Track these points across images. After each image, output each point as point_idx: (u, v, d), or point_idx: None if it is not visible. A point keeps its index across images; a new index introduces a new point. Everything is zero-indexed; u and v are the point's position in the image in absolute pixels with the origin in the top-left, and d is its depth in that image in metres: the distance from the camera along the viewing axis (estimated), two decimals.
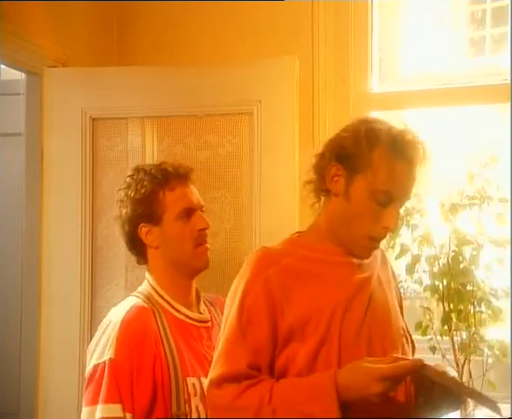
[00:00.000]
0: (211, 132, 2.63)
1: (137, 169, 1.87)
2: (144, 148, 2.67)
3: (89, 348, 1.76)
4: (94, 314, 2.62)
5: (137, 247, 1.85)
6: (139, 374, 1.65)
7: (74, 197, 2.64)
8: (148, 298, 1.79)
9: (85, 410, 1.67)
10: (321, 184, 1.56)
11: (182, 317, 1.80)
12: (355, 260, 1.58)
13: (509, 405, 2.49)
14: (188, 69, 2.68)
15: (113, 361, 1.65)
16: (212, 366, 1.53)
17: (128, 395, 1.64)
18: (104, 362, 1.66)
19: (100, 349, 1.69)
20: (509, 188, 2.41)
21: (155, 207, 1.79)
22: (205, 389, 1.53)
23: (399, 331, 1.62)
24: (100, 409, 1.62)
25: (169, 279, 1.81)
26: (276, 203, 2.50)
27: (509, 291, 2.37)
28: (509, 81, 2.52)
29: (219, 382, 1.49)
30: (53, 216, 2.66)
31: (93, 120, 2.66)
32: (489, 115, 2.97)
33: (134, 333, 1.69)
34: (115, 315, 1.74)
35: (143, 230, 1.80)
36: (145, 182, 1.80)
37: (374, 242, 1.56)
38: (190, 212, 1.81)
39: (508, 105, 2.49)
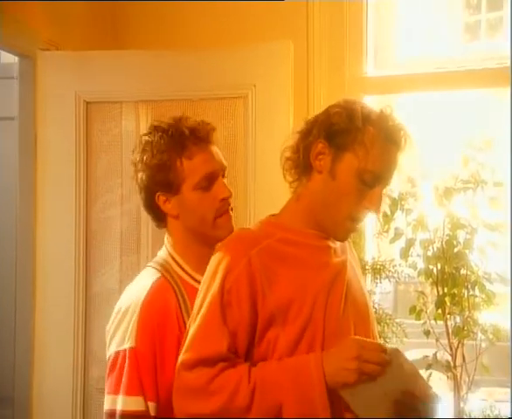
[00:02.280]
0: (206, 116, 2.60)
1: (155, 128, 1.73)
2: (139, 133, 2.65)
3: (108, 330, 1.69)
4: (89, 298, 2.62)
5: (155, 213, 1.75)
6: (163, 359, 1.60)
7: (68, 181, 2.62)
8: (166, 268, 1.71)
9: (108, 398, 1.62)
10: (305, 161, 1.52)
11: None
12: (331, 244, 1.57)
13: (508, 389, 2.51)
14: (182, 53, 2.66)
15: (134, 350, 1.59)
16: (186, 347, 1.48)
17: (150, 384, 1.58)
18: (125, 351, 1.60)
19: (121, 335, 1.63)
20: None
21: (173, 176, 1.69)
22: (177, 370, 1.48)
23: (372, 311, 1.66)
24: (121, 401, 1.58)
25: (189, 247, 1.72)
26: (271, 188, 2.48)
27: (509, 277, 2.37)
28: (508, 65, 2.50)
29: (193, 365, 1.44)
30: (47, 201, 2.65)
31: (87, 103, 2.64)
32: (484, 99, 2.97)
33: (156, 318, 1.61)
34: (135, 296, 1.65)
35: (161, 198, 1.71)
36: (161, 147, 1.68)
37: (355, 223, 1.54)
38: (210, 180, 1.71)
39: (508, 91, 2.47)
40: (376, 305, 2.49)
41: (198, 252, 1.71)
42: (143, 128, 2.64)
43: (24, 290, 2.63)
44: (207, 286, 1.51)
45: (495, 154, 2.42)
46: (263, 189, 2.54)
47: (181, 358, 1.48)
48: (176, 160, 1.69)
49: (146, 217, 2.65)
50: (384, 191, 1.53)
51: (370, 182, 1.48)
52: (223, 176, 1.76)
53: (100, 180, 2.68)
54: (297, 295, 1.48)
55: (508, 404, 2.63)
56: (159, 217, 1.76)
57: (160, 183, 1.70)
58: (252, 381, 1.42)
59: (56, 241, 2.63)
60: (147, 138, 1.73)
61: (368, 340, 1.43)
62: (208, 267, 1.54)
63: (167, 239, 1.77)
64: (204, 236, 1.72)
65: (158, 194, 1.71)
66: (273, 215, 1.62)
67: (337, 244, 1.59)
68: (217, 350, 1.44)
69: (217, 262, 1.51)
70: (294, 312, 1.46)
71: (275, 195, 2.44)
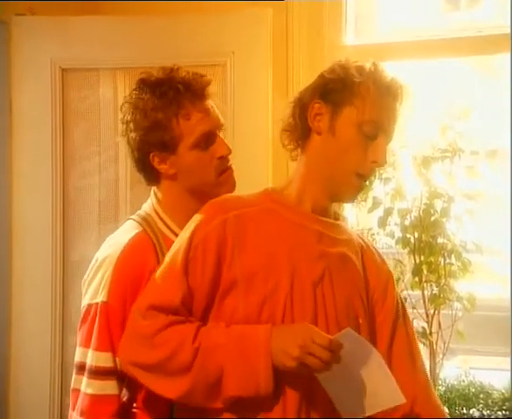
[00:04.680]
0: None
1: (143, 82, 1.63)
2: (116, 100, 2.63)
3: (84, 280, 1.65)
4: (66, 267, 2.61)
5: (149, 173, 1.68)
6: None
7: (45, 149, 2.60)
8: (148, 223, 1.65)
9: (78, 349, 1.61)
10: (302, 126, 1.49)
11: None
12: (323, 230, 1.51)
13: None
14: (160, 19, 2.63)
15: (105, 305, 1.56)
16: (143, 293, 1.49)
17: (119, 340, 1.53)
18: (97, 304, 1.57)
19: (95, 287, 1.59)
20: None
21: (169, 136, 1.60)
22: (130, 314, 1.48)
23: (351, 322, 1.49)
24: (91, 355, 1.56)
25: (180, 206, 1.66)
26: (249, 156, 2.48)
27: (499, 249, 2.40)
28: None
29: (146, 310, 1.44)
30: (23, 169, 2.62)
31: (63, 70, 2.61)
32: (463, 68, 2.97)
33: (130, 274, 1.57)
34: (112, 249, 1.61)
35: (156, 159, 1.63)
36: (155, 105, 1.59)
37: (362, 179, 1.51)
38: (208, 138, 1.63)
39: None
40: None
41: (189, 211, 1.61)
42: (121, 96, 2.62)
43: (1, 259, 2.61)
44: (178, 239, 1.51)
45: (473, 123, 2.43)
46: (241, 158, 2.51)
47: (136, 302, 1.48)
48: (172, 119, 1.60)
49: (124, 186, 2.66)
50: (388, 145, 1.50)
51: (371, 132, 1.46)
52: (220, 132, 1.69)
53: (78, 148, 2.65)
54: (264, 268, 1.45)
55: (483, 372, 2.69)
56: (152, 178, 1.69)
57: (155, 144, 1.62)
58: (198, 341, 1.40)
59: (33, 210, 2.61)
60: (137, 94, 1.63)
61: (322, 333, 1.35)
62: (189, 222, 1.53)
63: (154, 194, 1.71)
64: (205, 195, 1.63)
65: (153, 154, 1.63)
66: (273, 187, 1.59)
67: (336, 235, 1.53)
68: (170, 299, 1.43)
69: (193, 220, 1.51)
70: (257, 285, 1.44)
71: (254, 164, 2.46)
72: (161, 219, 1.67)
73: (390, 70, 1.51)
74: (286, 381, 1.41)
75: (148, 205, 1.71)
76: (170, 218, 1.67)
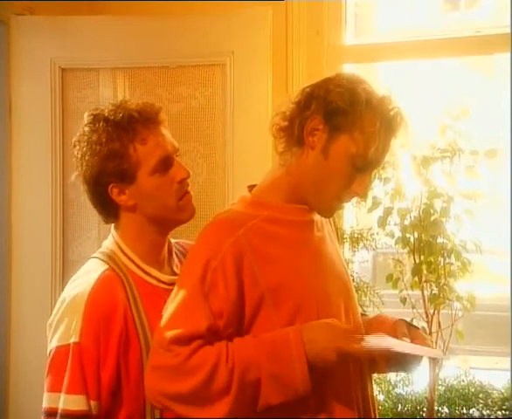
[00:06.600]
0: (184, 83, 2.60)
1: (95, 116, 1.61)
2: (116, 100, 2.62)
3: (50, 322, 1.59)
4: (66, 268, 2.61)
5: (107, 207, 1.64)
6: (106, 355, 1.52)
7: (44, 149, 2.60)
8: (113, 260, 1.61)
9: (47, 395, 1.53)
10: (299, 135, 1.48)
11: (152, 281, 1.63)
12: (314, 217, 1.55)
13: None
14: (160, 19, 2.63)
15: (78, 346, 1.50)
16: (163, 325, 1.42)
17: (93, 382, 1.50)
18: (68, 346, 1.51)
19: (64, 329, 1.53)
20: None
21: (127, 164, 1.58)
22: (151, 349, 1.43)
23: (350, 279, 1.66)
24: (63, 400, 1.49)
25: (141, 238, 1.63)
26: (249, 156, 2.49)
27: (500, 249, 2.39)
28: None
29: (171, 342, 1.39)
30: (23, 169, 2.62)
31: (63, 70, 2.62)
32: (462, 68, 2.98)
33: (102, 312, 1.53)
34: (80, 288, 1.56)
35: (114, 190, 1.60)
36: (110, 135, 1.57)
37: (341, 203, 1.55)
38: (166, 162, 1.62)
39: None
40: (354, 274, 2.51)
41: (150, 243, 1.64)
42: (120, 95, 2.63)
43: (1, 259, 2.61)
44: (189, 268, 1.47)
45: (472, 123, 2.43)
46: (241, 158, 2.53)
47: (157, 336, 1.43)
48: (129, 146, 1.58)
49: None
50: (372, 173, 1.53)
51: (363, 167, 1.47)
52: (177, 156, 1.69)
53: None
54: (286, 276, 1.46)
55: (483, 372, 2.69)
56: (111, 213, 1.65)
57: (112, 174, 1.58)
58: (231, 361, 1.38)
59: (32, 209, 2.61)
60: (91, 127, 1.61)
61: (348, 326, 1.45)
62: (190, 251, 1.51)
63: (115, 230, 1.67)
64: (165, 222, 1.65)
65: (111, 186, 1.60)
66: (251, 186, 1.58)
67: (318, 216, 1.58)
68: (195, 328, 1.40)
69: (201, 245, 1.48)
70: (285, 294, 1.45)
71: (253, 164, 2.46)
72: (124, 254, 1.63)
73: (380, 82, 1.49)
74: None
75: (110, 241, 1.67)
76: (133, 252, 1.63)
